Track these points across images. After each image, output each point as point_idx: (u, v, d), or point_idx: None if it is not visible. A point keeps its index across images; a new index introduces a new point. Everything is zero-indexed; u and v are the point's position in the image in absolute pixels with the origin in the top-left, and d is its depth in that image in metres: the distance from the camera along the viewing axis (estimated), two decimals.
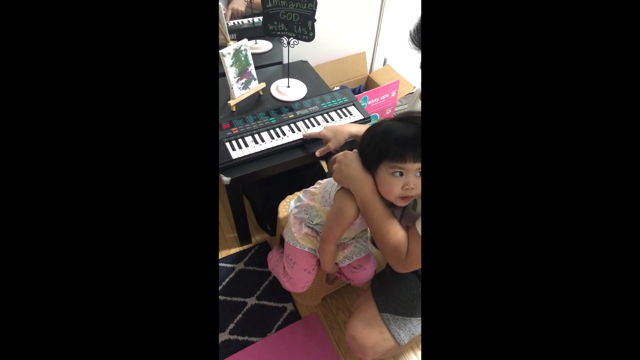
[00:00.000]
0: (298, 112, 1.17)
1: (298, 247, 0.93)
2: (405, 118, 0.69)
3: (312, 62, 1.49)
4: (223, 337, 1.11)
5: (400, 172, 0.66)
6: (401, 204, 0.70)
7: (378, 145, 0.68)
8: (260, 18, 1.09)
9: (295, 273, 0.96)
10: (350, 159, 0.75)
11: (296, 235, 0.92)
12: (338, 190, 0.78)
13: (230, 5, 1.32)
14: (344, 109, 1.21)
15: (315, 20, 1.03)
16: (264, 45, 1.41)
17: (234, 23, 1.36)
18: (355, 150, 0.78)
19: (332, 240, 0.84)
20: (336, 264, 0.97)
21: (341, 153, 0.78)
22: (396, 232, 0.71)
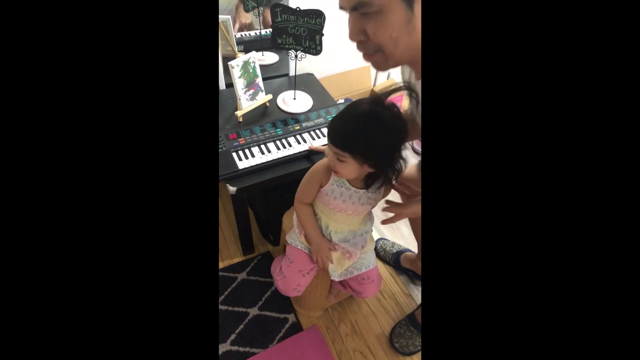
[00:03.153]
0: (304, 124, 1.19)
1: (300, 247, 0.96)
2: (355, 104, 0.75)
3: (318, 75, 1.51)
4: (224, 347, 1.10)
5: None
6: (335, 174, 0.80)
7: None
8: (268, 30, 1.11)
9: (290, 272, 0.98)
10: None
11: (299, 235, 0.96)
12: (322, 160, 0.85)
13: (238, 19, 1.35)
14: None
15: (323, 34, 1.05)
16: (271, 57, 1.43)
17: (241, 35, 1.38)
18: None
19: (302, 199, 0.90)
20: (343, 275, 0.98)
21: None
22: None
